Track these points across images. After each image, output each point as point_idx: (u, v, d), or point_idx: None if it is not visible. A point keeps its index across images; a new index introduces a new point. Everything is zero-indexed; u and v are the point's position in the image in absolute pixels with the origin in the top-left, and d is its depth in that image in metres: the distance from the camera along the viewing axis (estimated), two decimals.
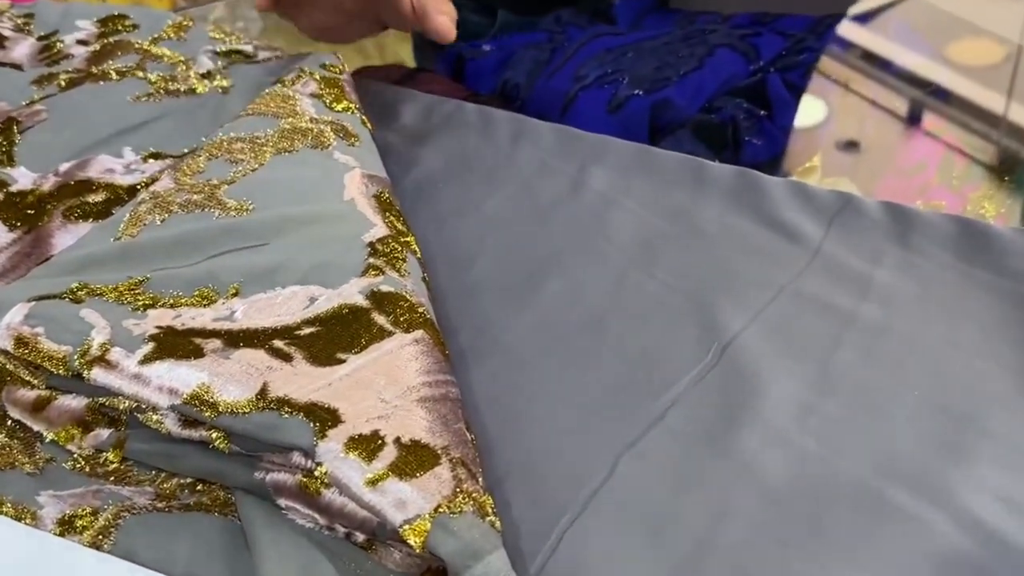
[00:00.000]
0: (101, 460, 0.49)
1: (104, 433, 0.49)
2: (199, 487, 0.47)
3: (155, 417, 0.47)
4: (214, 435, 0.46)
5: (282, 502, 0.44)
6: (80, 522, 0.46)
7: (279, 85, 0.69)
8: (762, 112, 0.76)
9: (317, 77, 0.70)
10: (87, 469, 0.49)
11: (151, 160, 0.66)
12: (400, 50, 1.05)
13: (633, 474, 0.47)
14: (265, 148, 0.62)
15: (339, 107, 0.67)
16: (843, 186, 0.71)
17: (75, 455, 0.49)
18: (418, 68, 0.97)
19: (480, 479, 0.44)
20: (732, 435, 0.49)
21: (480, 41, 0.93)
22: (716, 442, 0.48)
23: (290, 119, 0.64)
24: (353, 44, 0.81)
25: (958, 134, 0.81)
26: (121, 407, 0.48)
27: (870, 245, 0.59)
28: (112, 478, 0.48)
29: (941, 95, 0.86)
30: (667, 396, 0.51)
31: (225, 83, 0.72)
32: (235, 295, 0.52)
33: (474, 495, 0.42)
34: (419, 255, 0.58)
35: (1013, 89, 0.86)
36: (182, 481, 0.48)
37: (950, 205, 0.70)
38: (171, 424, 0.47)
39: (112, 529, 0.45)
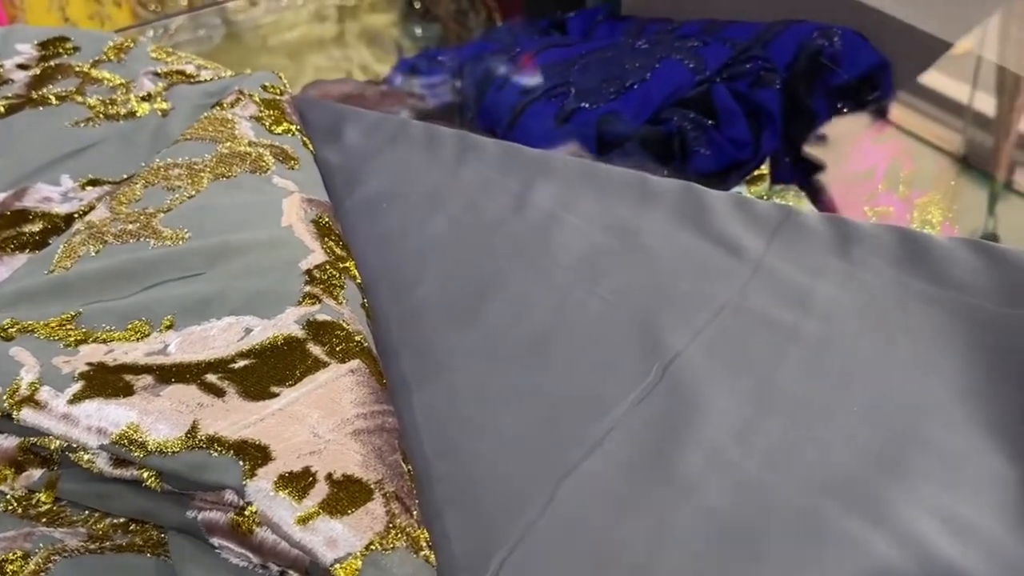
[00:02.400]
0: (34, 501, 0.48)
1: (36, 473, 0.48)
2: (132, 527, 0.47)
3: (86, 457, 0.46)
4: (145, 474, 0.45)
5: (215, 541, 0.44)
6: (10, 567, 0.45)
7: (218, 108, 0.68)
8: (709, 122, 0.76)
9: (257, 99, 0.69)
10: (19, 511, 0.48)
11: (89, 187, 0.65)
12: (364, 54, 1.04)
13: (572, 500, 0.47)
14: (203, 174, 0.61)
15: (279, 129, 0.67)
16: (791, 196, 0.71)
17: (7, 496, 0.48)
18: (370, 80, 0.97)
19: (415, 512, 0.44)
20: (673, 458, 0.48)
21: (436, 51, 0.93)
22: (656, 465, 0.48)
23: (228, 143, 0.63)
24: (318, 47, 0.80)
25: (925, 125, 0.81)
26: (52, 447, 0.47)
27: (811, 258, 0.59)
28: (45, 519, 0.47)
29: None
30: (608, 419, 0.51)
31: (165, 105, 0.71)
32: (169, 327, 0.51)
33: (408, 530, 0.42)
34: (359, 280, 0.58)
35: (977, 79, 0.86)
36: (115, 521, 0.47)
37: (897, 212, 0.70)
38: (102, 463, 0.46)
39: (42, 573, 0.44)
